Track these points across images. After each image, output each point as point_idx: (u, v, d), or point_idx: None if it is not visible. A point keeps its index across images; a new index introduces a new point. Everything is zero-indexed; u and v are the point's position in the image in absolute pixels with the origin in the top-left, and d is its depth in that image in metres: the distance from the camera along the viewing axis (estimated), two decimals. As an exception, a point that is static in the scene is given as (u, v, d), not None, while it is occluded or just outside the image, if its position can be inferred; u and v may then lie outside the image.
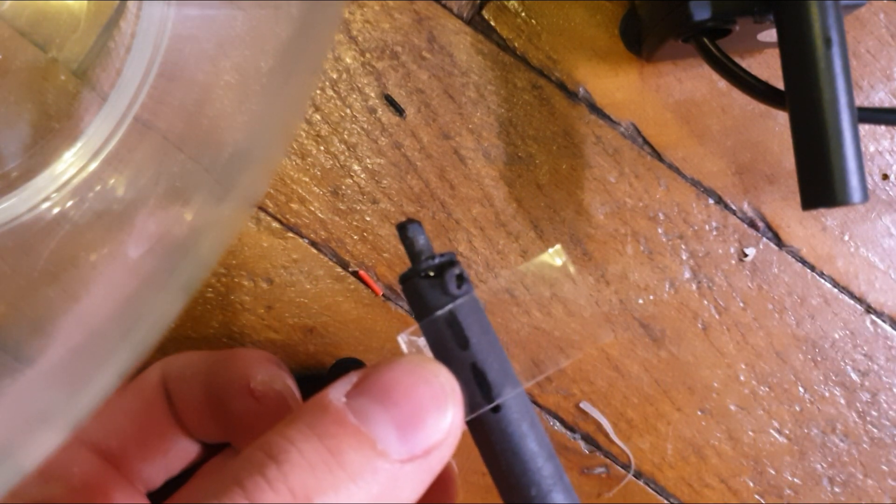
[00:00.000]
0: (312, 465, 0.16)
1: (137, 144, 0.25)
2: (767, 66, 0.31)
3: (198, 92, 0.25)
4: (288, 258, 0.29)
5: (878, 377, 0.32)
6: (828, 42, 0.23)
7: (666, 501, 0.31)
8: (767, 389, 0.31)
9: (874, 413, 0.32)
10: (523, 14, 0.30)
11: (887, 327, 0.31)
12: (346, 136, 0.29)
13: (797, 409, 0.31)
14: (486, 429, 0.19)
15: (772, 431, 0.31)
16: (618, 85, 0.30)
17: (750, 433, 0.31)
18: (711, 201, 0.31)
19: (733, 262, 0.31)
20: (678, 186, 0.31)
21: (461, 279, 0.19)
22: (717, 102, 0.31)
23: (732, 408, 0.31)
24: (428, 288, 0.19)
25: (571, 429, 0.31)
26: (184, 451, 0.24)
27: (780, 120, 0.31)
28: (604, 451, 0.31)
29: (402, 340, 0.20)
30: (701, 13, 0.26)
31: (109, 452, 0.23)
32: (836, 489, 0.32)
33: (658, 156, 0.31)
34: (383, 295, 0.30)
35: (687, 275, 0.31)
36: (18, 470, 0.12)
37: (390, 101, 0.30)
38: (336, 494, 0.16)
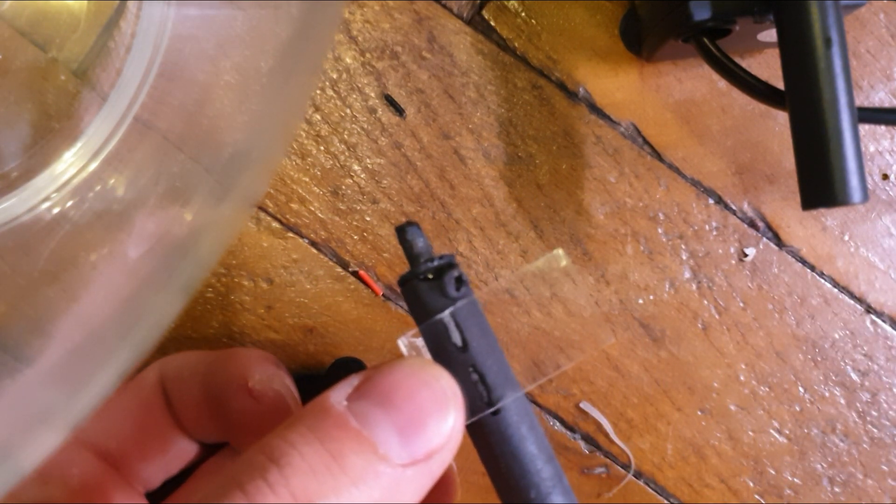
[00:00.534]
0: (314, 469, 0.16)
1: (137, 144, 0.25)
2: (767, 66, 0.31)
3: (198, 92, 0.25)
4: (288, 258, 0.29)
5: (878, 377, 0.31)
6: (828, 42, 0.23)
7: (666, 501, 0.31)
8: (767, 389, 0.31)
9: (874, 413, 0.32)
10: (523, 14, 0.30)
11: (887, 327, 0.31)
12: (346, 136, 0.29)
13: (797, 409, 0.31)
14: (485, 431, 0.19)
15: (772, 431, 0.31)
16: (618, 85, 0.30)
17: (750, 433, 0.31)
18: (711, 201, 0.31)
19: (733, 262, 0.31)
20: (678, 186, 0.31)
21: (460, 282, 0.19)
22: (717, 102, 0.31)
23: (732, 408, 0.31)
24: (427, 291, 0.19)
25: (571, 429, 0.31)
26: (182, 451, 0.24)
27: (780, 120, 0.31)
28: (604, 451, 0.31)
29: (402, 343, 0.20)
30: (701, 13, 0.26)
31: (108, 453, 0.23)
32: (836, 489, 0.32)
33: (658, 156, 0.31)
34: (383, 295, 0.30)
35: (687, 275, 0.31)
36: (18, 470, 0.12)
37: (390, 101, 0.30)
38: (337, 498, 0.16)
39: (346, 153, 0.30)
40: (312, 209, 0.29)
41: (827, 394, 0.31)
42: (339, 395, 0.18)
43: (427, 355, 0.19)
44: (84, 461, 0.22)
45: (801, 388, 0.31)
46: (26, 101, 0.25)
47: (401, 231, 0.19)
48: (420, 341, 0.19)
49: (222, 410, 0.23)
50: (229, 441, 0.24)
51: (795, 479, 0.32)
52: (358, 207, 0.30)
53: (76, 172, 0.25)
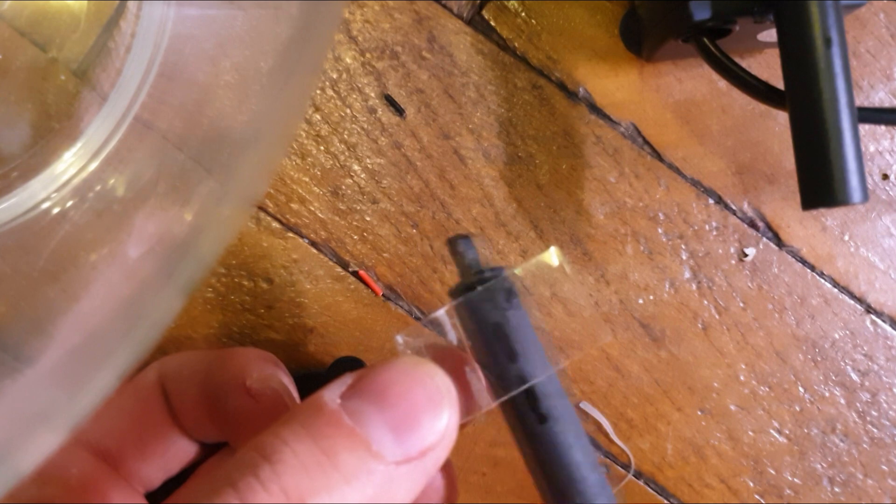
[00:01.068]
0: (306, 466, 0.16)
1: (137, 144, 0.25)
2: (767, 66, 0.31)
3: (198, 92, 0.25)
4: (288, 258, 0.29)
5: (878, 377, 0.31)
6: (828, 42, 0.23)
7: (666, 501, 0.31)
8: (767, 389, 0.31)
9: (874, 413, 0.32)
10: (523, 14, 0.30)
11: (887, 327, 0.31)
12: (346, 136, 0.29)
13: (797, 409, 0.31)
14: (533, 439, 0.19)
15: (772, 431, 0.31)
16: (618, 85, 0.30)
17: (750, 433, 0.31)
18: (711, 201, 0.31)
19: (733, 262, 0.31)
20: (678, 186, 0.31)
21: (511, 294, 0.19)
22: (717, 102, 0.31)
23: (732, 408, 0.31)
24: (477, 302, 0.19)
25: (571, 429, 0.31)
26: (182, 451, 0.24)
27: (780, 120, 0.31)
28: (604, 451, 0.31)
29: (399, 340, 0.20)
30: (701, 13, 0.26)
31: (107, 453, 0.23)
32: (836, 489, 0.32)
33: (658, 156, 0.31)
34: (383, 295, 0.30)
35: (687, 275, 0.31)
36: (18, 470, 0.12)
37: (390, 101, 0.30)
38: (330, 495, 0.16)
39: (346, 153, 0.30)
40: (312, 209, 0.29)
41: (827, 394, 0.31)
42: (332, 392, 0.18)
43: (425, 355, 0.19)
44: (83, 461, 0.22)
45: (801, 388, 0.31)
46: (26, 101, 0.25)
47: (452, 243, 0.20)
48: (417, 339, 0.20)
49: (221, 410, 0.23)
50: (228, 440, 0.24)
51: (795, 479, 0.32)
52: (358, 207, 0.30)
53: (76, 172, 0.25)
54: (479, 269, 0.19)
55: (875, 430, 0.32)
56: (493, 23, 0.30)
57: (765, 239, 0.31)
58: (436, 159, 0.30)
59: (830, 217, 0.31)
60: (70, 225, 0.24)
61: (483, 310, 0.19)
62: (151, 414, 0.23)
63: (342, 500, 0.16)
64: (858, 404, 0.31)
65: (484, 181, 0.30)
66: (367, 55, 0.29)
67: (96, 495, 0.22)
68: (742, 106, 0.31)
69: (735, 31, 0.27)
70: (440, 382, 0.18)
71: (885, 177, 0.31)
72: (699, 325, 0.31)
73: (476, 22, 0.30)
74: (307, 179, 0.29)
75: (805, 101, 0.24)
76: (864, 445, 0.32)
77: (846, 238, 0.31)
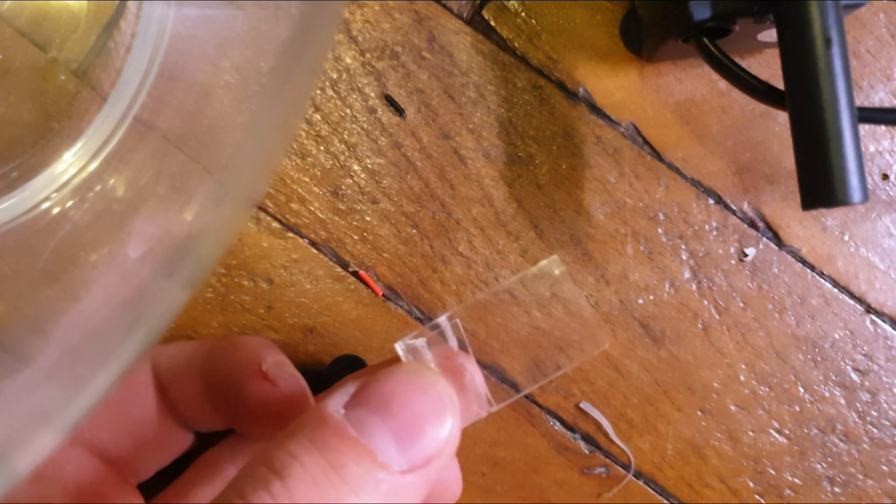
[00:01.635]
0: (315, 480, 0.16)
1: (137, 144, 0.25)
2: (767, 66, 0.31)
3: (198, 92, 0.25)
4: (288, 258, 0.29)
5: (878, 377, 0.31)
6: (828, 42, 0.23)
7: (666, 501, 0.31)
8: (767, 389, 0.31)
9: (874, 413, 0.32)
10: (523, 14, 0.30)
11: (887, 327, 0.31)
12: (346, 136, 0.29)
13: (797, 409, 0.31)
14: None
15: (772, 431, 0.31)
16: (618, 85, 0.30)
17: (750, 433, 0.31)
18: (711, 201, 0.31)
19: (733, 262, 0.31)
20: (678, 186, 0.31)
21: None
22: (717, 102, 0.31)
23: (732, 408, 0.31)
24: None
25: (571, 429, 0.31)
26: (176, 442, 0.24)
27: (780, 120, 0.31)
28: (604, 451, 0.31)
29: (399, 348, 0.20)
30: (701, 13, 0.26)
31: (102, 448, 0.23)
32: (836, 489, 0.32)
33: (658, 156, 0.31)
34: (383, 295, 0.30)
35: (687, 275, 0.31)
36: (17, 470, 0.12)
37: (390, 101, 0.30)
38: None
39: (346, 153, 0.30)
40: (312, 209, 0.29)
41: (827, 394, 0.31)
42: (336, 403, 0.18)
43: (427, 356, 0.19)
44: (79, 458, 0.22)
45: (801, 388, 0.31)
46: (26, 101, 0.25)
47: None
48: (417, 341, 0.20)
49: (227, 398, 0.23)
50: (237, 428, 0.24)
51: (795, 480, 0.32)
52: (358, 207, 0.30)
53: (76, 172, 0.25)
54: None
55: (875, 431, 0.32)
56: (493, 23, 0.30)
57: (765, 239, 0.31)
58: (436, 159, 0.30)
59: (830, 217, 0.31)
60: (70, 225, 0.24)
61: None
62: (146, 406, 0.23)
63: None
64: (858, 404, 0.31)
65: (484, 181, 0.30)
66: (367, 55, 0.29)
67: (93, 493, 0.22)
68: (742, 106, 0.31)
69: (735, 31, 0.27)
70: (442, 390, 0.18)
71: (885, 177, 0.31)
72: (699, 326, 0.31)
73: (476, 22, 0.30)
74: (307, 179, 0.29)
75: (805, 101, 0.24)
76: (864, 445, 0.32)
77: (846, 238, 0.31)
